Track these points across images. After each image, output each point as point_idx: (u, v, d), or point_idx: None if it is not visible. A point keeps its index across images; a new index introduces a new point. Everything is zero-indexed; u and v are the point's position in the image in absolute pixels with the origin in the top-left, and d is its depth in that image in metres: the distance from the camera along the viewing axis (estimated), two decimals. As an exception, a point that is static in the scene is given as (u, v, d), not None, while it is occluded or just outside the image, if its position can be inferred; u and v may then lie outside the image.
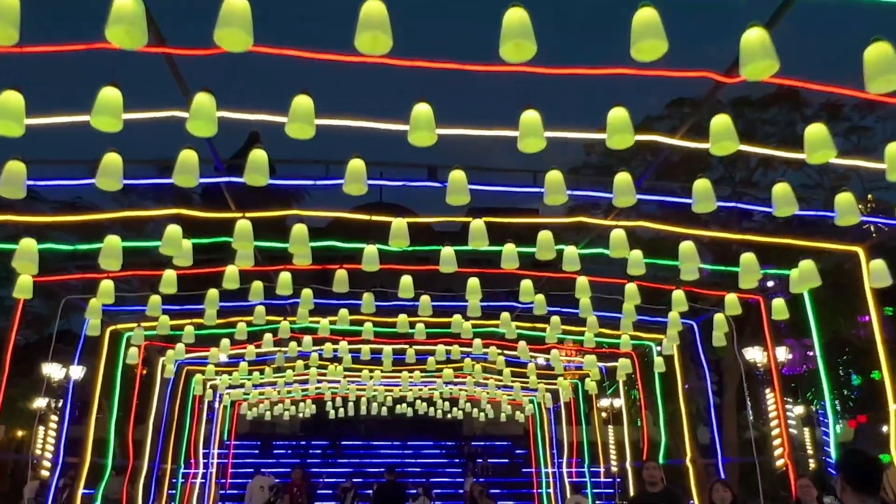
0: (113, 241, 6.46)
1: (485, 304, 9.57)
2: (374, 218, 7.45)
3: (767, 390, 18.58)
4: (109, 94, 4.33)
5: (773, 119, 19.05)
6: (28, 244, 6.38)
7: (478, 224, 6.52)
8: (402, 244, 6.36)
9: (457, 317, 10.70)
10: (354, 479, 19.86)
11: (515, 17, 3.72)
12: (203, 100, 4.35)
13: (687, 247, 7.12)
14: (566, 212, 16.50)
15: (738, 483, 18.70)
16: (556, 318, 10.52)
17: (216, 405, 19.40)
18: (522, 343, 12.36)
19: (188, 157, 5.18)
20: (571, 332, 11.79)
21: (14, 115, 4.33)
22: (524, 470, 25.96)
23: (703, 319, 11.59)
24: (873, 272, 7.17)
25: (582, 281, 8.49)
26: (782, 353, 19.36)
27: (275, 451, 28.93)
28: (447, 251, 7.34)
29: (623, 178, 5.56)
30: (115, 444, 12.66)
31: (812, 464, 24.72)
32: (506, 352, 13.55)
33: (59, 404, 22.57)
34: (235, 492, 22.10)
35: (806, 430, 26.22)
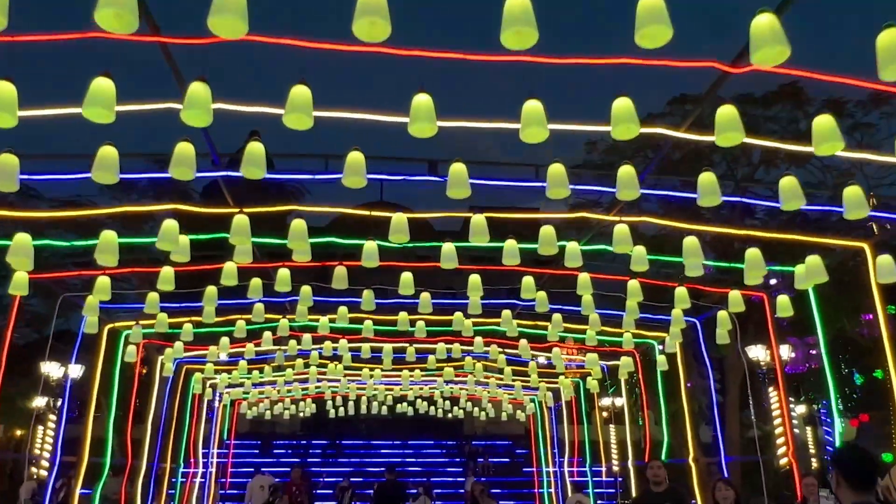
0: (109, 237, 6.37)
1: (486, 301, 9.49)
2: (374, 213, 7.36)
3: (771, 389, 18.48)
4: (102, 85, 4.24)
5: (775, 116, 18.96)
6: (22, 239, 6.28)
7: (478, 219, 6.42)
8: (403, 239, 6.27)
9: (458, 314, 10.62)
10: (355, 479, 19.79)
11: (517, 3, 3.64)
12: (198, 89, 4.26)
13: (691, 242, 7.03)
14: (568, 210, 16.40)
15: (741, 482, 18.60)
16: (557, 316, 10.43)
17: (216, 404, 19.33)
18: (524, 341, 12.28)
19: (184, 149, 5.09)
20: (573, 329, 11.71)
21: (6, 105, 4.24)
22: (525, 469, 25.88)
23: (705, 317, 11.50)
24: (880, 268, 7.08)
25: (584, 277, 8.40)
26: (785, 352, 19.26)
27: (275, 451, 28.84)
28: (448, 247, 7.26)
29: (627, 171, 5.47)
30: (114, 444, 12.57)
31: (814, 463, 24.62)
32: (507, 350, 13.47)
33: (58, 403, 22.50)
34: (235, 491, 22.01)
35: (808, 429, 26.11)
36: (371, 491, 16.30)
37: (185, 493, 17.66)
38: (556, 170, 5.49)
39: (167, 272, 8.01)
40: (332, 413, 22.16)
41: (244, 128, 5.03)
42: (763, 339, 18.01)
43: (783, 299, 8.71)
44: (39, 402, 21.16)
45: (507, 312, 10.77)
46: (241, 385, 17.11)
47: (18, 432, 28.63)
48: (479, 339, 12.10)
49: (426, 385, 17.80)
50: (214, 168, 6.56)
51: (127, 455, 13.14)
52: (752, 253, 7.16)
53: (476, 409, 22.20)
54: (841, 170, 17.92)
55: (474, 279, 8.49)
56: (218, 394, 18.29)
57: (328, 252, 8.99)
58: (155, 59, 5.01)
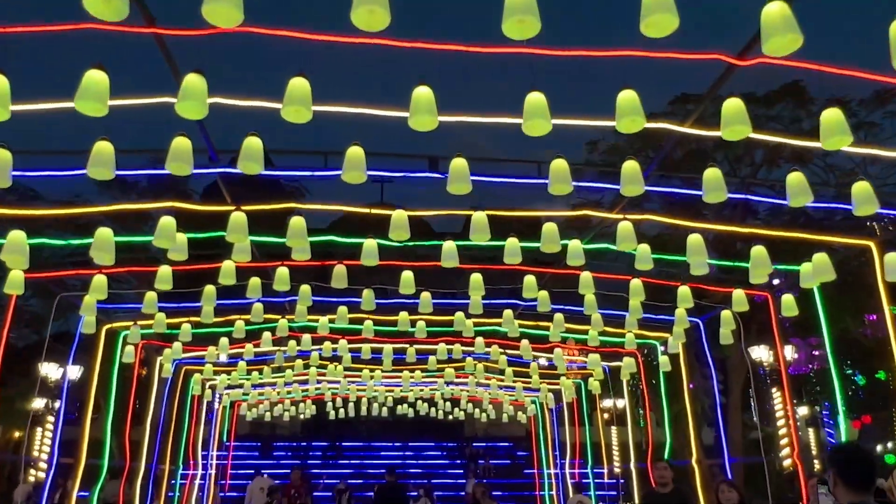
0: (104, 234, 6.27)
1: (487, 301, 9.41)
2: (374, 211, 7.28)
3: (774, 390, 18.36)
4: (95, 77, 4.15)
5: (778, 115, 18.86)
6: (17, 236, 6.19)
7: (479, 216, 6.33)
8: (403, 236, 6.18)
9: (459, 314, 10.53)
10: (356, 481, 19.65)
11: (519, -9, 3.55)
12: (194, 80, 4.17)
13: (695, 240, 6.93)
14: (570, 209, 16.31)
15: (744, 484, 18.49)
16: (559, 316, 10.34)
17: (215, 405, 19.23)
18: (525, 342, 12.19)
19: (181, 143, 5.00)
20: (575, 330, 11.62)
21: (-2, 98, 4.16)
22: (526, 471, 25.77)
23: (708, 317, 11.41)
24: (888, 266, 6.98)
25: (586, 276, 8.31)
26: (789, 353, 19.16)
27: (275, 453, 28.75)
28: (449, 245, 7.17)
29: (631, 166, 5.37)
30: (112, 445, 12.48)
31: (817, 464, 24.51)
32: (508, 351, 13.38)
33: (57, 405, 22.42)
34: (235, 494, 21.91)
35: (810, 430, 26.01)
36: (371, 493, 16.19)
37: (184, 495, 17.57)
38: (559, 165, 5.40)
39: (165, 271, 7.92)
40: (332, 415, 22.07)
41: (243, 127, 4.93)
42: (765, 339, 17.92)
43: (788, 298, 8.61)
44: (38, 403, 21.07)
45: (508, 312, 10.67)
46: (241, 386, 17.02)
47: (17, 434, 28.53)
48: (480, 340, 12.01)
49: (427, 386, 17.70)
50: (212, 164, 6.46)
51: (125, 457, 13.04)
52: (758, 250, 7.05)
53: (477, 410, 22.10)
54: (844, 169, 17.82)
55: (476, 278, 8.40)
56: (217, 395, 18.20)
57: (328, 252, 8.91)
58: (152, 56, 4.94)
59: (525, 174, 7.32)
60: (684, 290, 8.88)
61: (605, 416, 22.39)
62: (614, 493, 21.08)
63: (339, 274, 7.80)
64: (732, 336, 9.78)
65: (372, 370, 15.78)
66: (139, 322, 10.78)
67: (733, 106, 4.50)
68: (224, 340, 12.00)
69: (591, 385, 16.29)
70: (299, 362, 14.55)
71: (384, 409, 21.68)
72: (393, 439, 29.19)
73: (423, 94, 4.34)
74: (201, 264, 8.82)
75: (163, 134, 5.49)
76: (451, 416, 22.57)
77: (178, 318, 10.71)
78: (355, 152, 5.12)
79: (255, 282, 8.56)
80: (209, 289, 9.03)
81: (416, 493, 17.39)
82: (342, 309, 10.16)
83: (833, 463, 3.03)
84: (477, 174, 5.95)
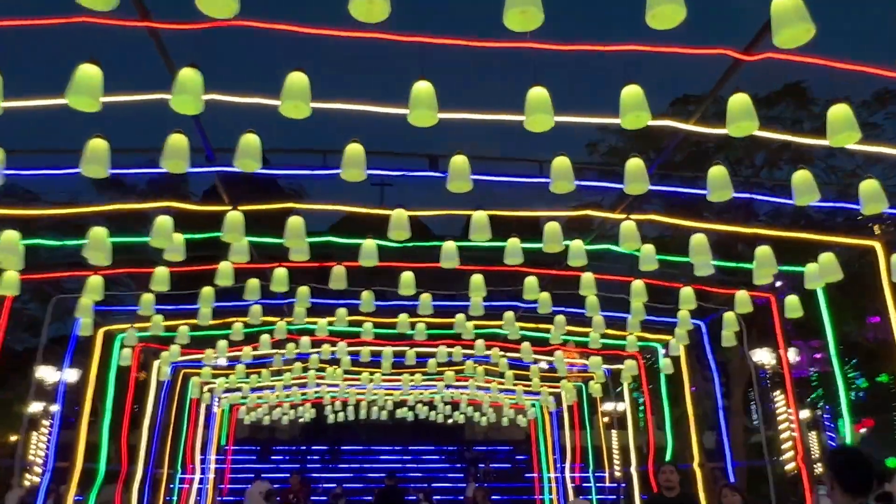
0: (98, 233, 6.17)
1: (488, 303, 9.31)
2: (374, 211, 7.19)
3: (776, 392, 18.27)
4: (88, 72, 4.06)
5: (779, 116, 18.77)
6: (10, 236, 6.10)
7: (480, 216, 6.24)
8: (403, 235, 6.09)
9: (459, 316, 10.43)
10: (355, 485, 19.54)
11: (522, -18, 3.46)
12: (189, 74, 4.08)
13: (699, 240, 6.84)
14: (570, 209, 16.21)
15: (745, 488, 18.38)
16: (560, 318, 10.25)
17: (214, 409, 19.11)
18: (526, 344, 12.10)
19: (177, 140, 4.91)
20: (576, 332, 11.53)
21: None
22: (526, 475, 25.64)
23: (711, 319, 11.31)
24: (894, 266, 6.89)
25: (587, 277, 8.22)
26: (791, 356, 19.05)
27: (274, 457, 28.61)
28: (449, 245, 7.08)
29: (635, 164, 5.28)
30: (109, 449, 12.35)
31: (818, 468, 24.39)
32: (508, 353, 13.28)
33: (54, 408, 22.30)
34: (233, 498, 21.78)
35: (812, 434, 25.91)
36: (371, 497, 16.08)
37: (182, 499, 17.44)
38: (561, 163, 5.31)
39: (161, 272, 7.82)
40: (331, 418, 21.97)
41: (240, 126, 4.84)
42: (767, 342, 17.80)
43: (792, 299, 8.52)
44: (34, 407, 20.95)
45: (509, 314, 10.57)
46: (239, 389, 16.91)
47: (13, 438, 28.41)
48: (480, 342, 11.91)
49: (426, 389, 17.60)
50: (209, 163, 6.37)
51: (122, 461, 12.92)
52: (763, 251, 6.96)
53: (477, 413, 21.98)
54: (846, 171, 17.73)
55: (477, 279, 8.31)
56: (216, 398, 18.08)
57: (326, 253, 8.83)
58: (147, 52, 4.85)
59: (526, 174, 7.23)
60: (687, 292, 8.78)
61: (606, 419, 22.29)
62: (615, 497, 20.95)
63: (338, 275, 7.72)
64: (735, 338, 9.69)
65: (371, 373, 15.68)
66: (136, 325, 10.69)
67: (740, 101, 4.41)
68: (222, 343, 11.90)
69: (591, 388, 16.18)
70: (298, 365, 14.45)
71: (384, 413, 21.57)
72: (392, 443, 29.06)
73: (422, 88, 4.25)
74: (198, 265, 8.72)
75: (158, 133, 5.41)
76: (450, 420, 22.47)
77: (175, 321, 10.61)
78: (354, 149, 5.04)
79: (253, 283, 8.47)
80: (207, 290, 8.94)
81: (415, 498, 17.27)
82: (341, 311, 10.07)
83: (830, 467, 2.98)
84: (477, 173, 5.86)
